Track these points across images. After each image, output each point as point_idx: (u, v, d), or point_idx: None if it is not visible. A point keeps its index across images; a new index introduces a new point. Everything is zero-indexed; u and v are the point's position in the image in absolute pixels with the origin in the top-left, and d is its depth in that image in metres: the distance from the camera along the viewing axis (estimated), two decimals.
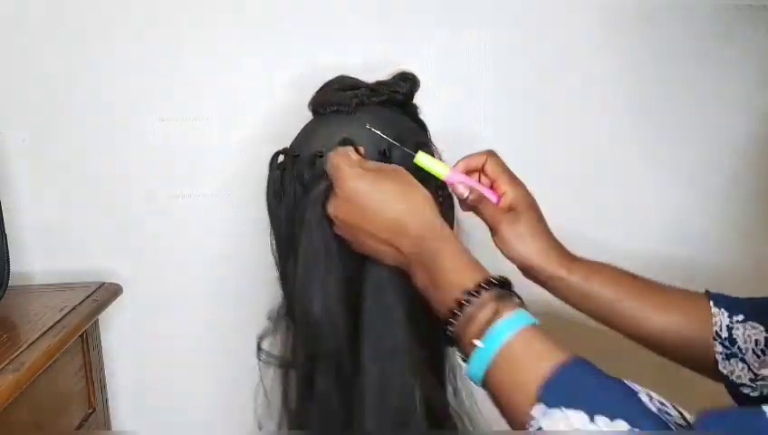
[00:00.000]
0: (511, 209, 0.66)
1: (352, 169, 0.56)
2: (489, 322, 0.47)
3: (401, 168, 0.58)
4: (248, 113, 0.98)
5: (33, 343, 0.77)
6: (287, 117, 0.94)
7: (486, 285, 0.49)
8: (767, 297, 0.64)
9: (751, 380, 0.62)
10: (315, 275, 0.58)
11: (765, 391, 0.61)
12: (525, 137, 1.00)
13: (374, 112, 0.63)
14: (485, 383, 0.48)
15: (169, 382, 1.06)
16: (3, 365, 0.71)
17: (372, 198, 0.55)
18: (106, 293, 0.95)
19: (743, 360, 0.62)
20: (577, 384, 0.43)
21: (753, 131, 1.00)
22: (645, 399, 0.42)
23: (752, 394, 0.62)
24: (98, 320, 0.95)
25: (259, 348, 0.68)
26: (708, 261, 1.03)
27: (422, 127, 0.68)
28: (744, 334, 0.63)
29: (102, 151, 0.98)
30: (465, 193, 0.64)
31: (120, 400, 1.05)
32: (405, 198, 0.55)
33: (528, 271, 0.66)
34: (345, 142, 0.60)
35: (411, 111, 0.68)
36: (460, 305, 0.49)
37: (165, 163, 0.99)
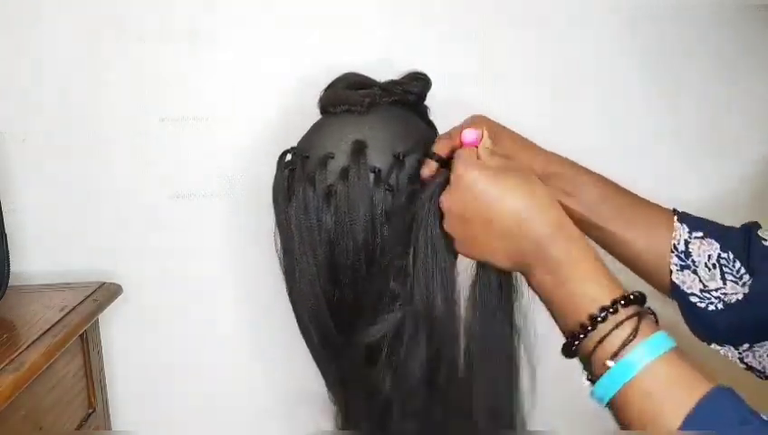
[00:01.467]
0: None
1: (472, 160, 0.53)
2: (625, 343, 0.44)
3: (527, 166, 0.56)
4: (249, 113, 0.97)
5: (33, 343, 0.77)
6: (288, 117, 0.95)
7: (624, 301, 0.46)
8: (733, 226, 0.68)
9: (700, 290, 0.65)
10: (436, 268, 0.55)
11: (711, 305, 0.65)
12: (530, 137, 1.00)
13: (387, 112, 0.62)
14: (612, 406, 0.46)
15: (169, 382, 1.06)
16: (3, 365, 0.71)
17: (491, 190, 0.51)
18: (106, 293, 0.95)
19: (695, 272, 0.65)
20: (719, 419, 0.42)
21: None
22: None
23: (698, 304, 0.65)
24: (98, 320, 0.95)
25: None
26: None
27: (432, 128, 0.67)
28: (699, 249, 0.66)
29: (102, 151, 0.98)
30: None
31: (119, 400, 1.05)
32: (528, 194, 0.51)
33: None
34: (357, 144, 0.60)
35: (421, 112, 0.67)
36: (593, 320, 0.46)
37: (165, 163, 0.99)
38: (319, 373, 0.67)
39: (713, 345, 0.66)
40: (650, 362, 0.44)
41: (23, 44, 0.95)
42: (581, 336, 0.46)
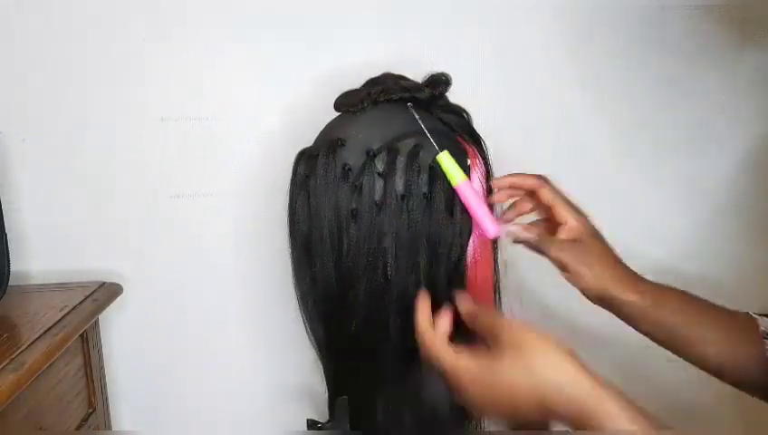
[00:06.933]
0: (575, 240, 0.63)
1: (456, 362, 0.52)
2: None
3: (502, 328, 0.52)
4: (249, 113, 0.97)
5: (33, 342, 0.77)
6: (289, 116, 0.95)
7: None
8: None
9: None
10: None
11: None
12: (526, 139, 1.00)
13: (381, 111, 0.61)
14: None
15: (169, 382, 1.06)
16: (3, 365, 0.71)
17: (501, 388, 0.50)
18: (106, 293, 0.94)
19: None
20: None
21: (757, 143, 0.99)
22: None
23: None
24: (98, 320, 0.95)
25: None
26: (713, 274, 1.02)
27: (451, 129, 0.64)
28: None
29: (103, 151, 0.98)
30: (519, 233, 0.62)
31: (120, 400, 1.05)
32: (534, 371, 0.49)
33: (602, 300, 0.65)
34: (336, 143, 0.59)
35: (440, 113, 0.64)
36: None
37: (165, 163, 0.99)
38: (317, 373, 0.67)
39: None
40: None
41: (22, 44, 0.95)
42: None
